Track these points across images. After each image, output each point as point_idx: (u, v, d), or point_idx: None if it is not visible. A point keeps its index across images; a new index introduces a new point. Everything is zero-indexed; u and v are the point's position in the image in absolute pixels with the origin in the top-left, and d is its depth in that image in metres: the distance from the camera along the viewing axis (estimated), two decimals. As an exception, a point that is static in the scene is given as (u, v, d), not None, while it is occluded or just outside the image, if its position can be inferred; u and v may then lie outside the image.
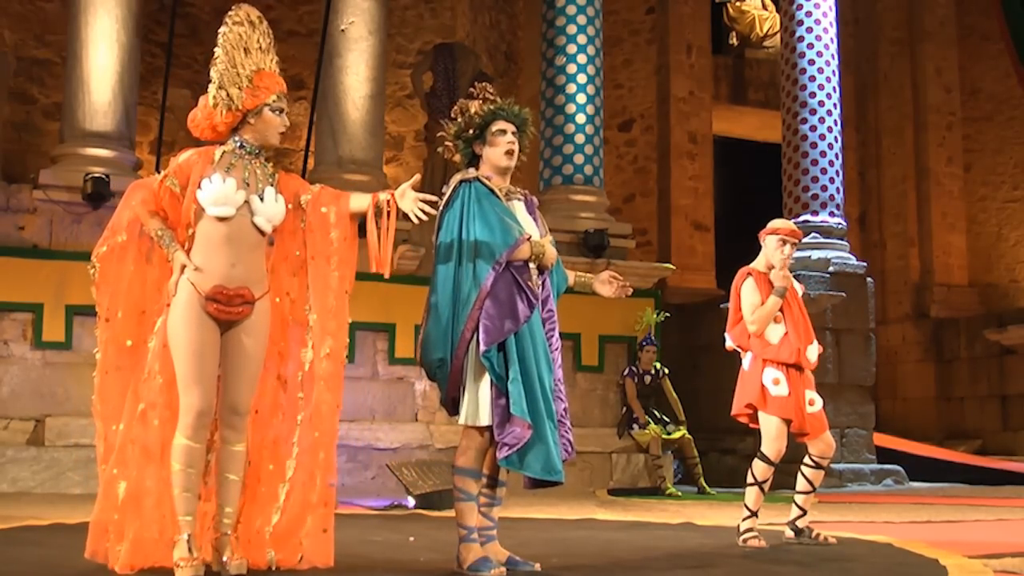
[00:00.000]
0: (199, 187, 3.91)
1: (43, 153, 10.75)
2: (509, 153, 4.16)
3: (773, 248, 5.41)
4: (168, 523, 3.89)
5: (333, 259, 4.13)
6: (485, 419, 3.93)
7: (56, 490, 8.18)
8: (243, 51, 4.03)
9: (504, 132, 4.16)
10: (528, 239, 4.06)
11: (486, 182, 4.11)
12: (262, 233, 4.01)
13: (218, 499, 3.96)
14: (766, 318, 5.29)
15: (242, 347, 3.96)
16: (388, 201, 4.03)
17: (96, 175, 8.74)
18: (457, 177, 4.16)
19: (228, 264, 3.91)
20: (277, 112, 4.06)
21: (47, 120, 11.95)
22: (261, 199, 3.98)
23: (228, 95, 3.98)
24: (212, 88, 4.01)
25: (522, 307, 3.97)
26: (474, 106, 4.19)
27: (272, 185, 4.04)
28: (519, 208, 4.20)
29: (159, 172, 8.95)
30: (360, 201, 4.13)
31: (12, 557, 4.43)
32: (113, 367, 4.03)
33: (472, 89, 4.29)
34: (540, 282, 4.13)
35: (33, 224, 8.87)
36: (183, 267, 3.88)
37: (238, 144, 4.04)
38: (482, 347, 3.92)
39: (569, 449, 4.07)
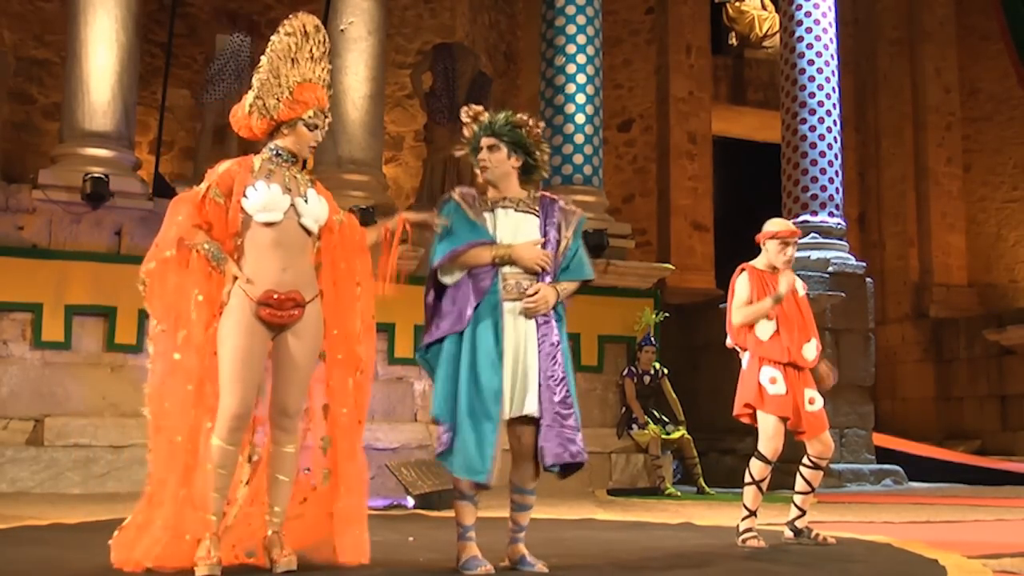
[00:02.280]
0: (244, 196, 3.97)
1: (42, 153, 10.74)
2: (482, 169, 4.28)
3: (775, 252, 5.43)
4: (196, 524, 3.92)
5: (359, 287, 4.25)
6: None
7: (55, 490, 8.17)
8: (290, 62, 4.11)
9: (482, 148, 4.28)
10: (487, 244, 4.13)
11: (457, 197, 4.24)
12: (309, 234, 4.08)
13: (269, 498, 4.04)
14: (753, 315, 5.31)
15: (292, 350, 4.02)
16: (397, 222, 4.22)
17: (95, 175, 8.74)
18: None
19: (279, 269, 3.97)
20: (311, 128, 4.14)
21: (46, 120, 11.94)
22: (305, 200, 4.06)
23: (264, 104, 4.09)
24: (251, 95, 4.11)
25: (467, 311, 4.06)
26: (468, 131, 4.33)
27: (311, 187, 4.13)
28: (503, 216, 4.23)
29: (157, 171, 8.90)
30: (372, 234, 4.30)
31: (12, 557, 4.44)
32: (165, 378, 4.05)
33: (463, 113, 4.39)
34: (530, 284, 4.15)
35: (32, 224, 8.87)
36: (235, 278, 3.93)
37: (274, 152, 4.11)
38: (421, 346, 4.17)
39: (547, 457, 4.06)
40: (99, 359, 8.75)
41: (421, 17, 13.75)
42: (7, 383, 8.56)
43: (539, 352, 4.11)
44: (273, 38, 4.14)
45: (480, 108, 4.38)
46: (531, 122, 4.32)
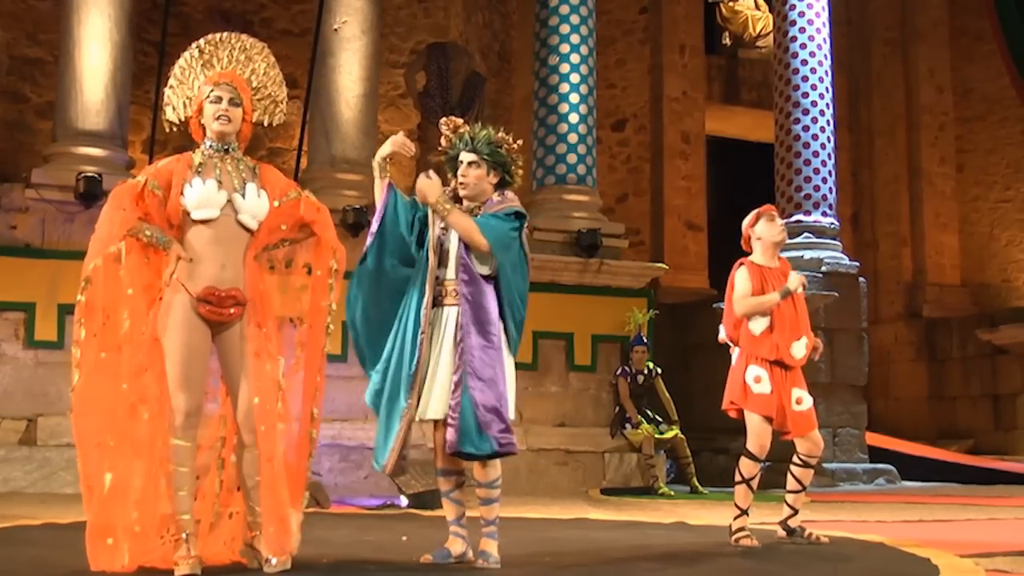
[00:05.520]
0: (182, 193, 3.97)
1: (35, 152, 10.71)
2: (461, 185, 4.38)
3: (768, 229, 5.46)
4: (151, 519, 3.90)
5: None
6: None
7: (48, 490, 8.16)
8: (200, 66, 4.14)
9: (462, 163, 4.38)
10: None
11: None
12: (247, 230, 4.04)
13: (247, 502, 4.04)
14: (757, 307, 5.32)
15: (238, 349, 4.01)
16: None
17: (89, 174, 8.72)
18: None
19: (218, 266, 3.95)
20: (213, 101, 4.08)
21: (39, 119, 11.91)
22: (243, 196, 4.02)
23: (173, 108, 4.16)
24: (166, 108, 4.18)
25: (395, 311, 4.26)
26: (445, 141, 4.45)
27: (252, 180, 4.08)
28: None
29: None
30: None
31: (5, 557, 4.43)
32: (94, 366, 4.08)
33: (442, 124, 4.49)
34: (455, 288, 4.23)
35: (25, 223, 8.84)
36: (179, 257, 3.91)
37: (207, 145, 4.11)
38: None
39: (453, 442, 4.12)
40: (92, 359, 8.73)
41: (415, 17, 13.74)
42: (0, 382, 8.54)
43: (455, 348, 4.15)
44: (182, 57, 4.19)
45: (460, 121, 4.48)
46: (509, 139, 4.40)
